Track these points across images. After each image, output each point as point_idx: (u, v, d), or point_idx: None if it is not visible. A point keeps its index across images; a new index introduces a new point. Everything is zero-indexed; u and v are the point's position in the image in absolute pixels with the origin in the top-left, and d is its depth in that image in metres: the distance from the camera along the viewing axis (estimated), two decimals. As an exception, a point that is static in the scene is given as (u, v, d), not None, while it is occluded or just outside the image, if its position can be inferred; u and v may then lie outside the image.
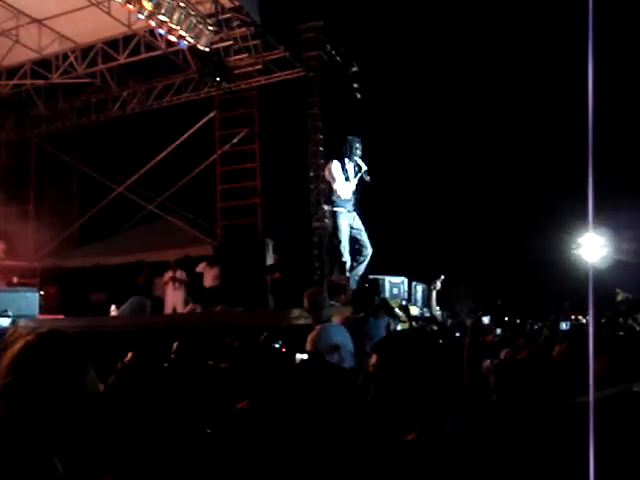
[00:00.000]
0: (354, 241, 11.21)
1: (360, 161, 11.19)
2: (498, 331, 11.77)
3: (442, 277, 11.86)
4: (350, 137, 11.46)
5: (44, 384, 1.91)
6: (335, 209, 11.14)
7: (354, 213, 11.23)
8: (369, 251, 11.19)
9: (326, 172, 11.45)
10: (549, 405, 2.49)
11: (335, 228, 11.35)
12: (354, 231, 11.18)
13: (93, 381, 2.04)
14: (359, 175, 11.10)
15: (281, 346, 7.43)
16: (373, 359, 2.30)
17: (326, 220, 18.29)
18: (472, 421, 3.58)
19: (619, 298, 20.04)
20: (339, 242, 11.15)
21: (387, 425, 2.21)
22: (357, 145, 11.28)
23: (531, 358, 5.23)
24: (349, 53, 19.84)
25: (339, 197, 11.05)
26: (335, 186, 11.06)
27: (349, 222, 11.12)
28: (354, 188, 11.15)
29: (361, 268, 11.09)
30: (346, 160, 11.08)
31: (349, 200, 11.13)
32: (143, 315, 14.23)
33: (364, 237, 11.23)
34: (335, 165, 11.10)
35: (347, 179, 11.04)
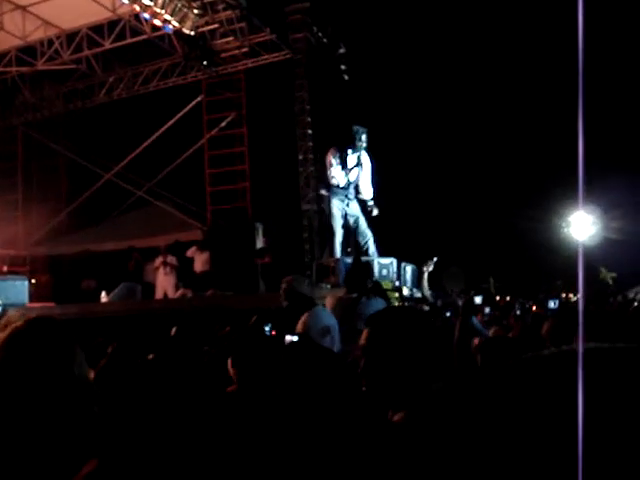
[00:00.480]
0: (349, 227, 11.28)
1: (365, 153, 11.24)
2: (487, 310, 11.82)
3: (435, 259, 11.87)
4: (356, 127, 11.44)
5: (31, 368, 1.92)
6: (328, 194, 11.21)
7: (348, 200, 11.26)
8: (368, 236, 11.27)
9: (325, 157, 11.49)
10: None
11: (328, 213, 11.42)
12: (349, 218, 11.23)
13: (81, 365, 2.05)
14: (360, 166, 11.17)
15: (271, 329, 7.45)
16: (364, 333, 2.31)
17: (317, 204, 18.31)
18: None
19: (602, 276, 20.21)
20: (330, 226, 11.23)
21: (373, 399, 2.22)
22: (362, 136, 11.26)
23: (518, 336, 5.26)
24: (336, 34, 19.75)
25: (333, 184, 11.10)
26: (330, 173, 11.09)
27: (342, 208, 11.18)
28: (353, 178, 11.19)
29: (371, 252, 11.21)
30: (349, 150, 11.12)
31: (345, 188, 11.17)
32: (133, 301, 14.24)
33: (361, 223, 11.28)
34: (332, 152, 11.14)
35: (344, 167, 11.07)
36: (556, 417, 0.77)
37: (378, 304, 6.82)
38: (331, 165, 11.10)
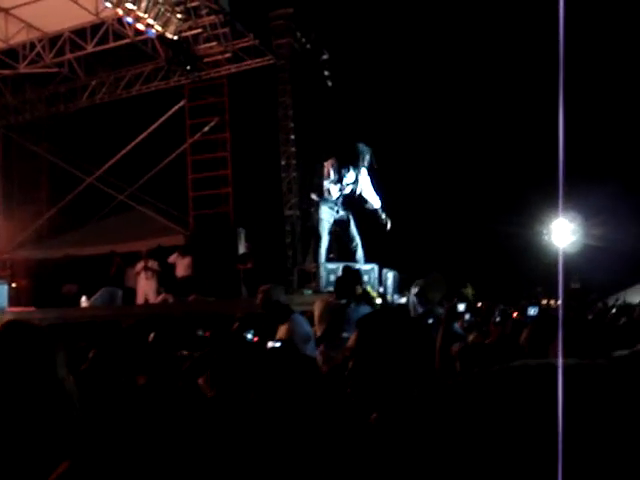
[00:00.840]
0: (335, 234, 11.40)
1: (364, 172, 11.44)
2: (467, 316, 11.84)
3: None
4: (361, 145, 11.64)
5: (7, 370, 1.91)
6: (319, 199, 11.34)
7: (337, 208, 11.37)
8: (356, 242, 11.39)
9: (324, 166, 11.67)
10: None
11: (317, 218, 11.54)
12: (337, 227, 11.37)
13: (62, 366, 2.04)
14: (356, 184, 11.37)
15: (253, 335, 7.44)
16: (353, 335, 2.32)
17: (299, 210, 18.33)
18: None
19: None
20: (317, 231, 11.34)
21: (359, 402, 2.23)
22: (367, 156, 11.46)
23: (496, 343, 5.28)
24: (319, 41, 19.78)
25: (324, 194, 11.26)
26: (325, 184, 11.24)
27: (331, 214, 11.31)
28: (346, 192, 11.37)
29: (358, 257, 11.34)
30: (350, 167, 11.32)
31: (336, 199, 11.32)
32: (114, 305, 14.19)
33: (351, 228, 11.42)
34: (331, 163, 11.34)
35: (340, 182, 11.25)
36: (522, 427, 0.78)
37: (366, 310, 6.85)
38: (328, 176, 11.32)
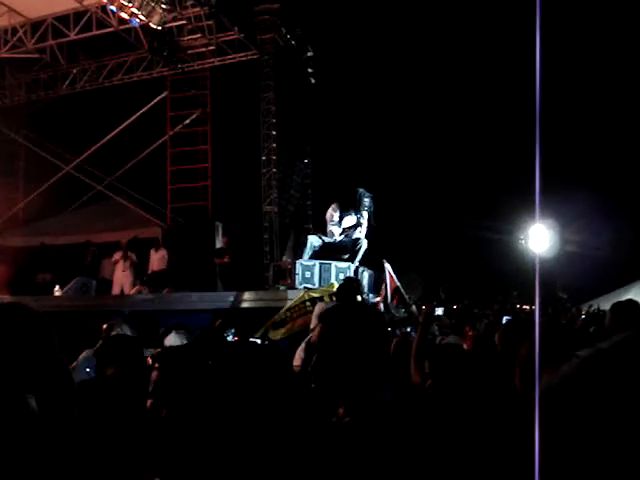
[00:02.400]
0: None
1: (365, 215, 11.89)
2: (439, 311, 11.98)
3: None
4: (361, 190, 12.14)
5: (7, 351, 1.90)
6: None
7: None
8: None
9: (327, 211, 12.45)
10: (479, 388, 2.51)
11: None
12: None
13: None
14: (357, 230, 11.81)
15: (234, 334, 7.42)
16: (317, 329, 2.30)
17: (277, 206, 18.32)
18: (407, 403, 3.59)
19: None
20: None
21: (321, 396, 2.20)
22: (366, 201, 12.00)
23: (472, 345, 5.29)
24: (304, 37, 19.76)
25: (328, 236, 12.08)
26: (328, 227, 12.20)
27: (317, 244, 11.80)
28: (347, 232, 11.84)
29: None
30: (351, 211, 11.83)
31: (339, 241, 11.97)
32: (87, 295, 14.12)
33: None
34: (334, 208, 12.00)
35: (341, 225, 11.77)
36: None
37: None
38: (331, 221, 11.81)
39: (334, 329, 2.24)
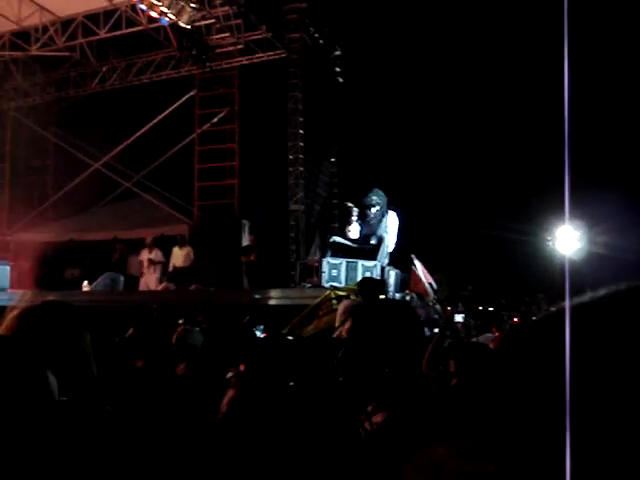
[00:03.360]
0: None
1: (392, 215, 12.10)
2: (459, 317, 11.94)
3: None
4: (376, 190, 12.59)
5: (45, 344, 1.93)
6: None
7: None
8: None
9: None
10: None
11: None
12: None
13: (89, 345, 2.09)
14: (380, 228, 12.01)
15: (263, 331, 7.46)
16: (347, 324, 2.30)
17: (304, 205, 18.34)
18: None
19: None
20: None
21: (350, 391, 2.20)
22: (376, 199, 12.35)
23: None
24: (332, 36, 19.76)
25: (347, 234, 12.37)
26: (347, 227, 12.61)
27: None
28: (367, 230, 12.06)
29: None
30: (371, 210, 12.11)
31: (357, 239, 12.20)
32: (115, 291, 14.23)
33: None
34: (352, 207, 12.56)
35: (361, 223, 12.03)
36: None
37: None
38: (348, 222, 12.05)
39: (366, 324, 2.24)
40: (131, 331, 5.55)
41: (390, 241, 12.20)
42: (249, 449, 2.09)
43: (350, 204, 12.41)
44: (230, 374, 4.06)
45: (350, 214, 12.37)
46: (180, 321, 6.32)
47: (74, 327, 2.07)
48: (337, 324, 7.26)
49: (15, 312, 2.07)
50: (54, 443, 1.55)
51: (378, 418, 2.12)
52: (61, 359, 1.93)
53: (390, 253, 12.41)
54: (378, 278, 10.16)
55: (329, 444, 2.08)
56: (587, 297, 0.84)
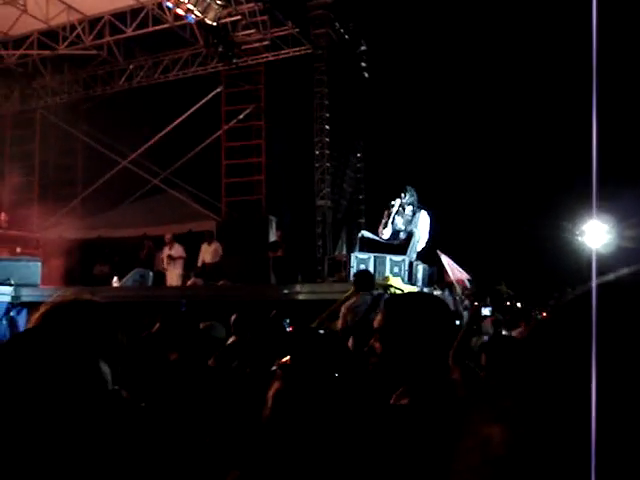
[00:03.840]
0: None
1: (424, 214, 12.12)
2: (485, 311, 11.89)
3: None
4: (408, 188, 12.49)
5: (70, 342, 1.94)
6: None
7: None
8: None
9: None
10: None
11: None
12: None
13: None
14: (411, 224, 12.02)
15: (289, 324, 7.48)
16: (380, 315, 2.31)
17: (330, 200, 18.35)
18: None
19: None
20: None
21: (381, 380, 2.21)
22: (409, 196, 12.31)
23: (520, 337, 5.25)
24: (358, 31, 19.74)
25: (379, 234, 12.40)
26: (380, 228, 12.61)
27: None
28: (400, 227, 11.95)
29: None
30: (403, 210, 12.07)
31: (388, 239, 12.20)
32: (144, 286, 14.32)
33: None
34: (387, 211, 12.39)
35: (393, 224, 12.00)
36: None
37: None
38: (385, 226, 11.98)
39: (398, 315, 2.25)
40: (157, 326, 5.57)
41: (422, 239, 12.16)
42: (301, 442, 2.10)
43: (393, 203, 12.38)
44: (275, 367, 4.08)
45: (389, 215, 12.36)
46: (233, 317, 6.30)
47: (101, 325, 2.08)
48: (340, 326, 7.24)
49: (42, 308, 2.06)
50: (108, 431, 1.57)
51: (404, 402, 2.14)
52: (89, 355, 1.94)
53: (420, 252, 12.41)
54: (370, 271, 10.11)
55: (368, 432, 2.10)
56: (611, 276, 0.85)
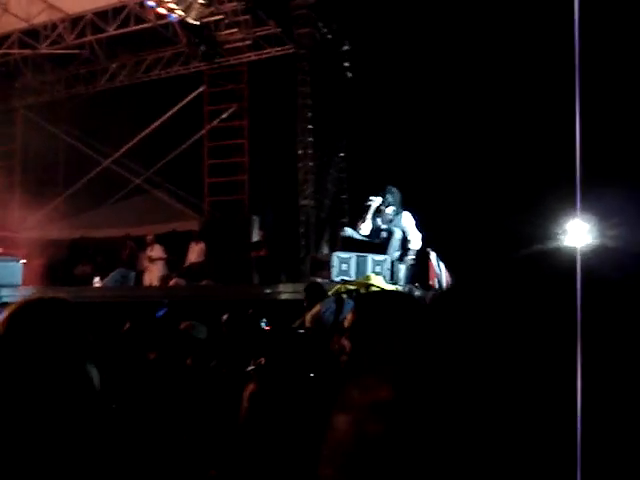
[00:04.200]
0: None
1: (406, 215, 12.04)
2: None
3: None
4: (390, 188, 12.41)
5: (37, 346, 1.89)
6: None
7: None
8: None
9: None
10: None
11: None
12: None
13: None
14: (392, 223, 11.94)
15: (266, 324, 7.45)
16: (350, 316, 2.31)
17: (314, 200, 18.34)
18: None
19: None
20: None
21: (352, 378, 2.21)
22: (390, 197, 12.19)
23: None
24: (341, 31, 19.72)
25: (358, 230, 12.07)
26: (359, 222, 12.18)
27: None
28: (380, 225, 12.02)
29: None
30: (383, 208, 12.02)
31: (366, 236, 12.01)
32: (124, 287, 14.27)
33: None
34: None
35: (374, 221, 11.95)
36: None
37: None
38: (364, 221, 11.99)
39: (368, 315, 2.24)
40: (127, 326, 5.54)
41: (415, 239, 12.14)
42: (277, 442, 2.10)
43: (372, 198, 12.30)
44: (251, 367, 4.07)
45: (367, 211, 12.29)
46: (224, 316, 6.27)
47: (67, 325, 2.01)
48: (307, 324, 7.21)
49: (7, 309, 2.02)
50: (92, 433, 1.56)
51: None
52: (52, 357, 1.88)
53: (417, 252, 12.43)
54: (319, 283, 10.11)
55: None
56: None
